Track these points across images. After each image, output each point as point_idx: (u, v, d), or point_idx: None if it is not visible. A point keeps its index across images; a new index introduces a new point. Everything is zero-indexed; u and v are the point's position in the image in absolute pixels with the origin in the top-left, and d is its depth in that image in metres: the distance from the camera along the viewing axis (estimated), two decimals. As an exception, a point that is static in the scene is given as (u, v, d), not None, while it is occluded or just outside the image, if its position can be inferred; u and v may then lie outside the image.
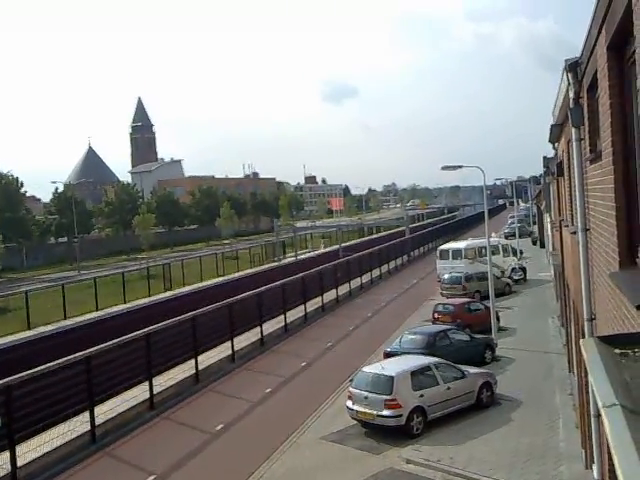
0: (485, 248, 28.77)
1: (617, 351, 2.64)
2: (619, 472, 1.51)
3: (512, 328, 26.10)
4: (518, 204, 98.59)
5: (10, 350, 25.25)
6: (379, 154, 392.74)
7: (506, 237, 58.86)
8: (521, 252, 45.11)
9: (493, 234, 47.00)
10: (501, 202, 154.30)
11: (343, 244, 62.20)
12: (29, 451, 15.31)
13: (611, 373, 2.20)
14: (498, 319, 25.12)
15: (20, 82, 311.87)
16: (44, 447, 15.61)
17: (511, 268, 38.67)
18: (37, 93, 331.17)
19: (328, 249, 64.31)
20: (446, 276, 35.16)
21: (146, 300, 35.67)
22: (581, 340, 2.89)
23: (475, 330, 23.55)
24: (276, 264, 53.88)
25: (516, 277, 37.94)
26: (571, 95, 6.87)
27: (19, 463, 14.58)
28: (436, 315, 26.60)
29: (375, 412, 15.47)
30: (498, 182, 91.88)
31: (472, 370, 17.48)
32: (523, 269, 39.44)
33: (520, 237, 52.74)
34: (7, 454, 14.47)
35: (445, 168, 23.64)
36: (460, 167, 23.63)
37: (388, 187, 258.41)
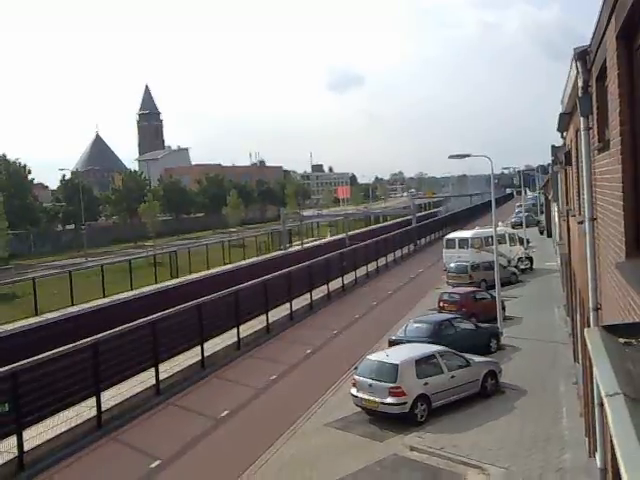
0: (492, 237, 28.68)
1: (621, 340, 2.64)
2: (620, 459, 1.51)
3: (518, 317, 26.09)
4: (525, 193, 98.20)
5: (18, 336, 25.43)
6: (386, 143, 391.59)
7: (513, 226, 58.66)
8: (528, 241, 45.01)
9: (500, 223, 46.87)
10: (509, 191, 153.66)
11: (349, 233, 62.18)
12: (36, 436, 15.45)
13: (615, 362, 2.20)
14: (504, 308, 25.11)
15: (28, 71, 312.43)
16: (51, 432, 15.76)
17: (518, 257, 38.60)
18: (45, 82, 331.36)
19: (334, 238, 64.30)
20: (452, 265, 35.12)
21: (153, 287, 35.79)
22: (585, 329, 2.89)
23: (481, 319, 23.55)
24: (282, 252, 53.92)
25: (522, 266, 37.89)
26: (580, 84, 6.82)
27: (26, 448, 14.72)
28: (442, 304, 26.61)
29: (379, 400, 15.53)
30: (506, 171, 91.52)
31: (477, 359, 17.50)
32: (530, 258, 39.37)
33: (527, 226, 52.57)
34: (14, 439, 14.62)
35: (452, 157, 23.57)
36: (467, 156, 23.55)
37: (395, 176, 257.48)
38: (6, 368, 14.90)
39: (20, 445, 14.58)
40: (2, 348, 23.50)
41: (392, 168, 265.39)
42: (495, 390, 17.06)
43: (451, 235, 42.81)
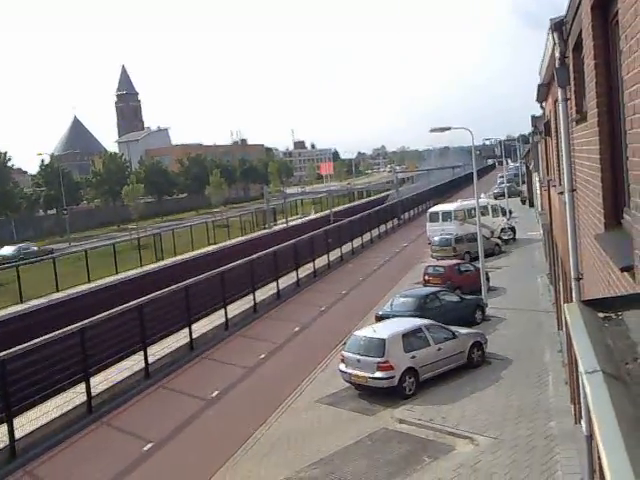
0: (475, 209, 28.81)
1: (601, 315, 2.67)
2: (599, 439, 1.54)
3: (502, 288, 26.34)
4: (507, 164, 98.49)
5: (3, 324, 25.26)
6: (369, 118, 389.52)
7: (495, 197, 58.90)
8: (510, 212, 45.24)
9: (482, 195, 47.03)
10: (490, 162, 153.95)
11: (334, 209, 62.14)
12: (27, 423, 15.45)
13: (594, 338, 2.23)
14: (488, 279, 25.32)
15: (3, 56, 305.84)
16: (42, 419, 15.78)
17: (500, 228, 38.84)
18: (22, 66, 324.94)
19: (319, 215, 64.23)
20: (436, 238, 35.29)
21: (138, 271, 35.61)
22: (564, 305, 2.92)
23: (465, 291, 23.77)
24: (267, 231, 53.81)
25: (505, 237, 38.16)
26: (557, 55, 6.81)
27: (17, 435, 14.75)
28: (427, 277, 26.78)
29: (368, 374, 15.68)
30: (487, 142, 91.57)
31: (463, 330, 17.68)
32: (512, 229, 39.63)
33: (509, 197, 52.82)
34: (5, 427, 14.62)
35: (433, 130, 23.53)
36: (448, 129, 23.52)
37: (378, 150, 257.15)
38: (-7, 357, 14.83)
39: (11, 433, 14.59)
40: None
41: (375, 143, 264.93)
42: (481, 361, 17.28)
43: (434, 208, 42.96)
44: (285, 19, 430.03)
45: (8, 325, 25.15)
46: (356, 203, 75.10)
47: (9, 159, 72.55)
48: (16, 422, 14.98)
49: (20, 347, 15.69)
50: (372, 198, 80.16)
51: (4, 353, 15.03)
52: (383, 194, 78.59)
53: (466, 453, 12.34)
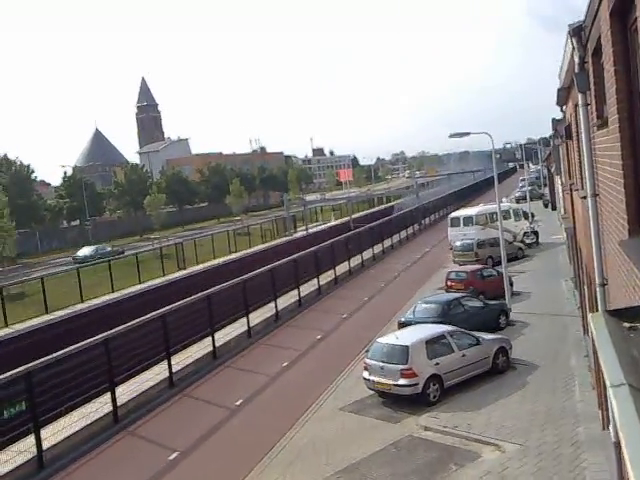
0: (496, 213, 28.62)
1: (626, 325, 2.66)
2: (625, 453, 1.54)
3: (526, 292, 26.11)
4: (528, 167, 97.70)
5: (30, 335, 25.60)
6: (387, 124, 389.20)
7: (517, 201, 58.48)
8: (533, 215, 44.88)
9: (504, 199, 46.72)
10: (511, 165, 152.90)
11: (353, 215, 62.10)
12: (54, 434, 15.64)
13: (619, 350, 2.22)
14: (511, 284, 25.13)
15: (27, 70, 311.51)
16: (68, 429, 15.96)
17: (523, 232, 38.53)
18: (44, 80, 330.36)
19: (339, 221, 64.24)
20: (458, 243, 35.10)
21: (161, 280, 35.89)
22: (589, 315, 2.91)
23: (489, 296, 23.59)
24: (287, 239, 53.93)
25: (528, 241, 37.85)
26: (576, 60, 6.76)
27: (45, 446, 14.92)
28: (449, 283, 26.64)
29: (391, 382, 15.63)
30: (508, 145, 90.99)
31: (487, 336, 17.56)
32: (535, 233, 39.30)
33: (531, 200, 52.37)
34: (32, 438, 14.80)
35: (453, 136, 23.40)
36: (468, 134, 23.38)
37: (397, 155, 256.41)
38: (21, 368, 15.03)
39: (38, 443, 14.77)
40: (16, 348, 23.70)
41: (394, 149, 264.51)
42: (507, 367, 17.13)
43: (455, 213, 42.72)
44: (305, 22, 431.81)
45: (34, 336, 25.49)
46: (376, 209, 74.99)
47: (32, 171, 73.73)
48: (43, 433, 15.16)
49: (46, 358, 15.87)
50: (392, 204, 79.96)
51: (31, 365, 15.22)
52: (399, 200, 77.55)
53: (492, 460, 12.23)
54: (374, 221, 50.32)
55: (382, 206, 78.59)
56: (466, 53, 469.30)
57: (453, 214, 42.87)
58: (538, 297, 25.22)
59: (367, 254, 42.05)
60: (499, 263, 26.04)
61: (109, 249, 53.69)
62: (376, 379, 16.01)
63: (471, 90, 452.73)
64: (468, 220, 39.14)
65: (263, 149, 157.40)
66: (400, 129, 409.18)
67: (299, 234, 56.89)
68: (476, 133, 24.34)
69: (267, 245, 49.56)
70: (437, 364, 15.77)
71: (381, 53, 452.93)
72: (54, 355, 16.24)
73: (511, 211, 39.21)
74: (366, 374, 16.41)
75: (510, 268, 26.91)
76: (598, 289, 7.38)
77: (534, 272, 30.56)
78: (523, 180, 76.51)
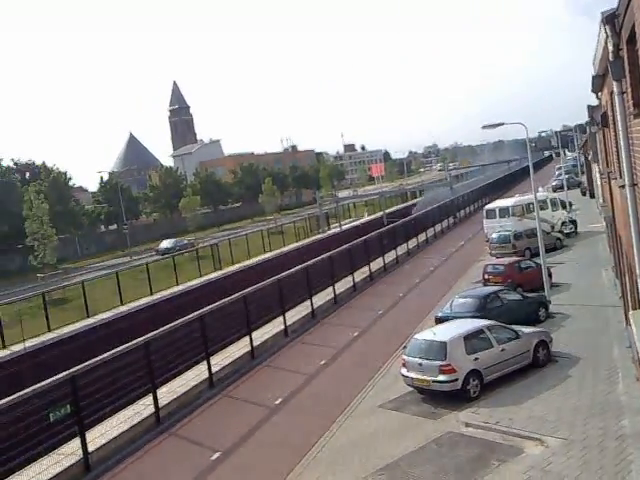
0: (533, 204, 28.15)
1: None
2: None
3: (565, 283, 25.65)
4: (565, 155, 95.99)
5: (72, 339, 26.18)
6: (418, 115, 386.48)
7: (554, 190, 57.50)
8: (570, 204, 44.03)
9: (540, 188, 45.95)
10: (547, 154, 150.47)
11: (386, 210, 61.85)
12: (99, 436, 15.97)
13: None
14: (550, 275, 24.72)
15: (61, 77, 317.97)
16: (113, 431, 16.28)
17: (561, 222, 37.86)
18: (77, 86, 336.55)
19: (372, 217, 64.05)
20: (494, 235, 34.64)
21: (198, 281, 36.33)
22: (630, 312, 2.84)
23: (527, 289, 23.24)
24: (321, 236, 54.01)
25: (567, 231, 37.17)
26: (610, 48, 6.60)
27: (90, 448, 15.24)
28: (486, 276, 26.31)
29: (430, 378, 15.52)
30: (543, 134, 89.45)
31: (526, 330, 17.30)
32: (573, 222, 38.56)
33: (569, 189, 51.44)
34: (78, 441, 15.13)
35: (486, 127, 23.06)
36: (501, 124, 23.00)
37: (429, 148, 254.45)
38: (65, 373, 15.37)
39: (84, 446, 15.09)
40: (59, 352, 24.26)
41: (427, 141, 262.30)
42: (547, 360, 16.85)
43: (491, 205, 42.15)
44: (333, 20, 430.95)
45: (76, 340, 26.07)
46: (409, 203, 74.51)
47: (70, 178, 75.30)
48: (88, 435, 15.49)
49: (89, 362, 16.18)
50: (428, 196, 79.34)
51: (75, 369, 15.54)
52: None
53: (536, 455, 12.06)
54: (407, 216, 49.99)
55: (415, 200, 78.07)
56: (505, 42, 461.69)
57: (488, 206, 42.31)
58: (578, 288, 24.76)
59: (401, 249, 41.84)
60: (537, 254, 25.63)
61: (185, 242, 59.79)
62: (415, 375, 15.93)
63: (510, 79, 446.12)
64: (504, 211, 38.59)
65: (294, 147, 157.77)
66: (431, 121, 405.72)
67: (332, 231, 56.91)
68: (510, 123, 23.95)
69: (301, 243, 49.73)
70: (476, 359, 15.61)
71: (423, 51, 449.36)
72: (97, 358, 16.57)
73: (548, 201, 38.51)
74: (404, 371, 16.33)
75: (548, 259, 26.45)
76: (639, 279, 7.21)
77: (573, 262, 29.99)
78: (560, 168, 75.19)
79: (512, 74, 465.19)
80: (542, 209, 31.91)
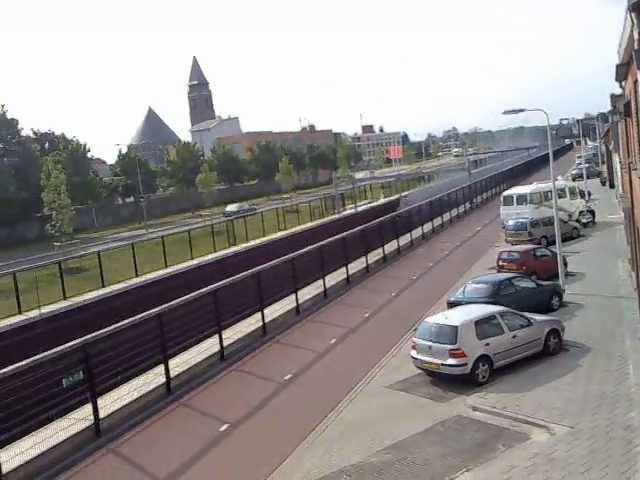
0: (551, 192, 27.89)
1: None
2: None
3: (580, 273, 25.48)
4: (586, 143, 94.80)
5: (87, 307, 26.49)
6: (438, 98, 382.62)
7: (574, 179, 56.94)
8: (589, 194, 43.61)
9: (559, 177, 45.51)
10: (568, 142, 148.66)
11: (403, 193, 61.58)
12: (110, 403, 16.23)
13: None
14: (566, 264, 24.57)
15: (83, 53, 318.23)
16: (124, 399, 16.54)
17: (579, 211, 37.52)
18: (99, 60, 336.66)
19: (388, 199, 63.81)
20: (511, 222, 34.42)
21: (212, 256, 36.51)
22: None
23: (542, 277, 23.12)
24: (336, 217, 53.95)
25: (584, 220, 36.84)
26: (636, 36, 6.47)
27: (101, 415, 15.51)
28: (501, 263, 26.21)
29: (440, 361, 15.55)
30: (564, 121, 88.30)
31: (538, 317, 17.25)
32: (591, 212, 38.20)
33: (588, 178, 50.84)
34: (90, 406, 15.39)
35: (507, 112, 22.80)
36: (522, 111, 22.75)
37: (448, 132, 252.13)
38: (78, 340, 15.60)
39: (95, 412, 15.36)
40: (75, 319, 24.58)
41: (446, 125, 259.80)
42: (558, 348, 16.80)
43: (508, 192, 41.82)
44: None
45: (92, 309, 26.36)
46: (427, 186, 74.08)
47: (89, 150, 75.60)
48: (100, 402, 15.74)
49: (102, 331, 16.39)
50: (442, 181, 78.85)
51: (88, 337, 15.76)
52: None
53: (542, 442, 12.08)
54: (424, 199, 49.77)
55: (432, 183, 77.62)
56: (526, 30, 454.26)
57: (506, 192, 41.99)
58: (593, 278, 24.59)
59: (417, 233, 41.73)
60: (553, 243, 25.46)
61: (247, 206, 65.92)
62: (424, 358, 15.97)
63: (531, 65, 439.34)
64: (522, 198, 38.27)
65: (312, 127, 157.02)
66: (451, 104, 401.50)
67: (347, 212, 56.82)
68: (531, 110, 23.72)
69: (316, 223, 49.71)
70: (487, 345, 15.60)
71: (444, 35, 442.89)
72: (110, 327, 16.78)
73: (566, 189, 38.14)
74: (414, 353, 16.38)
75: (565, 248, 26.26)
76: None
77: (589, 252, 29.76)
78: (580, 157, 74.34)
79: (529, 60, 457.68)
80: (560, 197, 31.61)
